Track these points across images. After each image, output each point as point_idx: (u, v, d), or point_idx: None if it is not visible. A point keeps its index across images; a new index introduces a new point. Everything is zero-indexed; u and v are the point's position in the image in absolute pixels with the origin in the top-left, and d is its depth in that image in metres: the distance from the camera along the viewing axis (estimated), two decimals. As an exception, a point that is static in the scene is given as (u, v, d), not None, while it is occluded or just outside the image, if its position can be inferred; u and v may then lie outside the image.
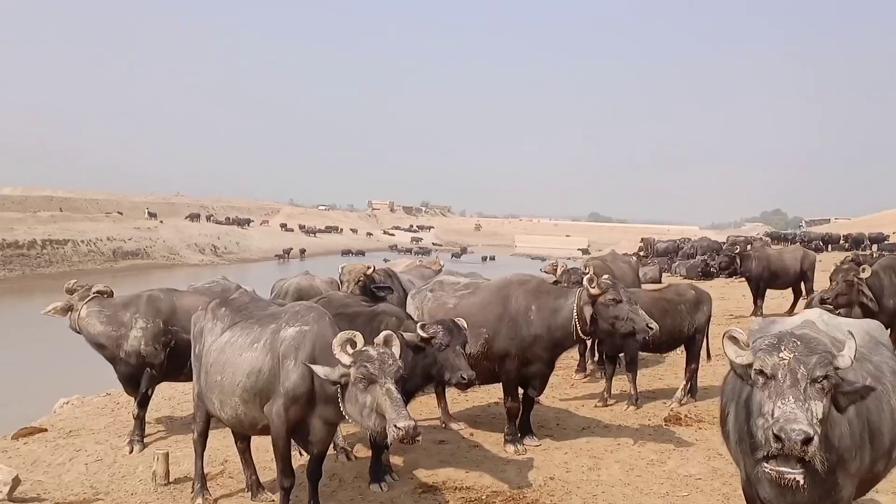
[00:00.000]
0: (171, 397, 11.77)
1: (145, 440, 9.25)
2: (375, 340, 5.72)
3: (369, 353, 5.44)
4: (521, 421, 9.07)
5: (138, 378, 9.11)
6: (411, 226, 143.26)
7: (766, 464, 3.63)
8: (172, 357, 9.12)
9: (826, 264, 24.27)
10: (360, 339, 5.60)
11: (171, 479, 7.84)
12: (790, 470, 3.57)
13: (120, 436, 9.62)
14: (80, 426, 10.42)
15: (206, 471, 7.55)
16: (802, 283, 21.30)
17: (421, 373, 7.37)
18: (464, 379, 7.16)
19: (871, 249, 49.90)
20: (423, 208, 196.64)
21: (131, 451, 8.97)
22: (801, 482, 3.57)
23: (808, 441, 3.51)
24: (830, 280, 11.67)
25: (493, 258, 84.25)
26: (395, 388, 5.32)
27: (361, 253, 79.79)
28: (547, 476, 7.89)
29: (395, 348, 5.74)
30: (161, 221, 76.24)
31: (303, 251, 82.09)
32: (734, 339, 4.08)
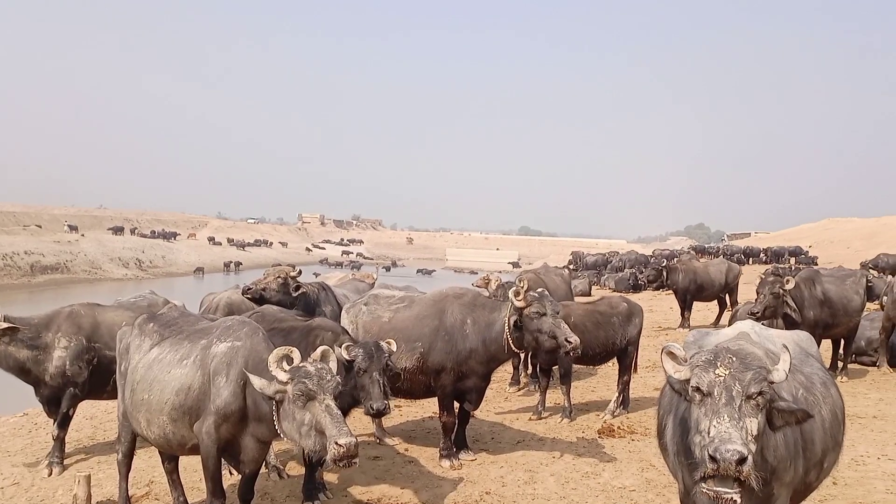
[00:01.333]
0: (92, 416, 11.34)
1: (65, 462, 8.85)
2: (312, 356, 5.60)
3: (307, 370, 5.29)
4: (456, 435, 9.02)
5: (61, 398, 8.72)
6: (342, 239, 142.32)
7: (703, 484, 3.68)
8: (95, 374, 8.77)
9: (747, 276, 25.04)
10: (296, 354, 5.46)
11: (92, 503, 7.51)
12: (727, 490, 3.61)
13: (38, 458, 9.19)
14: (-5, 448, 9.92)
15: (130, 493, 7.28)
16: (727, 295, 21.93)
17: (349, 392, 7.23)
18: (372, 409, 6.99)
19: (789, 263, 51.74)
20: (355, 222, 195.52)
21: (50, 474, 8.56)
22: (738, 501, 3.62)
23: (742, 461, 3.55)
24: (757, 293, 11.97)
25: (431, 272, 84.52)
26: (334, 404, 5.19)
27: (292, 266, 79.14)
28: (483, 491, 7.85)
29: (332, 363, 5.62)
30: (82, 234, 73.78)
31: (238, 264, 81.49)
32: (672, 355, 4.10)
